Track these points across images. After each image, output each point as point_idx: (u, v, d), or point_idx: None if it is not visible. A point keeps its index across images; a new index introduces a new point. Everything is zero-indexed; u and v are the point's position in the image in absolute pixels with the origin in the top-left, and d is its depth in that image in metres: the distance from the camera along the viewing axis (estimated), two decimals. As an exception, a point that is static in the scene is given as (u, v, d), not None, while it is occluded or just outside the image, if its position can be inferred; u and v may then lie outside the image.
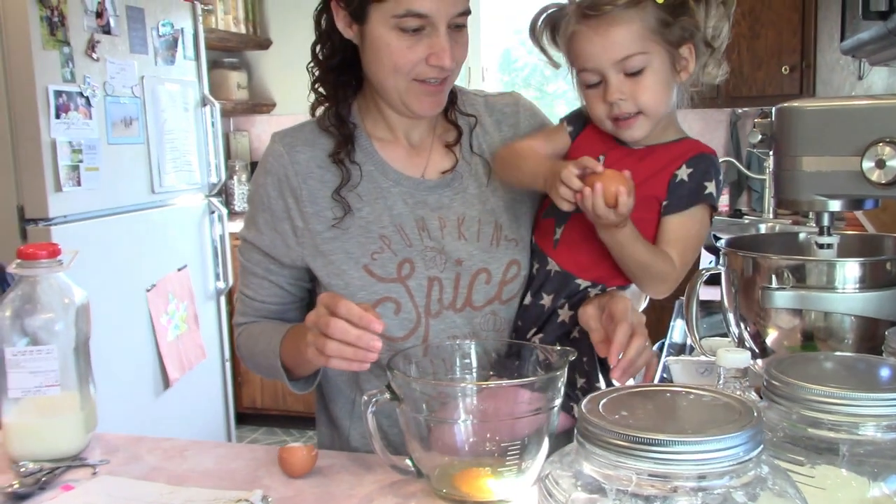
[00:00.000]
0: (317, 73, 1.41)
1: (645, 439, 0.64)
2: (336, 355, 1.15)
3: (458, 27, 1.30)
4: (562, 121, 1.42)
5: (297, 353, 1.33)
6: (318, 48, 1.40)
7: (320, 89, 1.42)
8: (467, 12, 1.30)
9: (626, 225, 1.20)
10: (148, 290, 3.36)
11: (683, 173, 1.27)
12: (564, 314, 1.35)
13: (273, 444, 1.32)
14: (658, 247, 1.27)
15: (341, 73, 1.40)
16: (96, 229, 3.09)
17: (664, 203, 1.28)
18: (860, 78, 3.80)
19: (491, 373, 1.23)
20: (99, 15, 3.06)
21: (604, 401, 0.72)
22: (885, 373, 0.84)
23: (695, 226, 1.29)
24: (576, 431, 0.70)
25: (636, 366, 1.18)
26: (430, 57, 1.28)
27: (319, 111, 1.43)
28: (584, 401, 0.72)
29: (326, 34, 1.38)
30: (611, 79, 1.26)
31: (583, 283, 1.33)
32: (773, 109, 1.25)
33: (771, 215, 4.15)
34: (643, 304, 1.47)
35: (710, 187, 1.27)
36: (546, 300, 1.35)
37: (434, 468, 1.10)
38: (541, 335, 1.35)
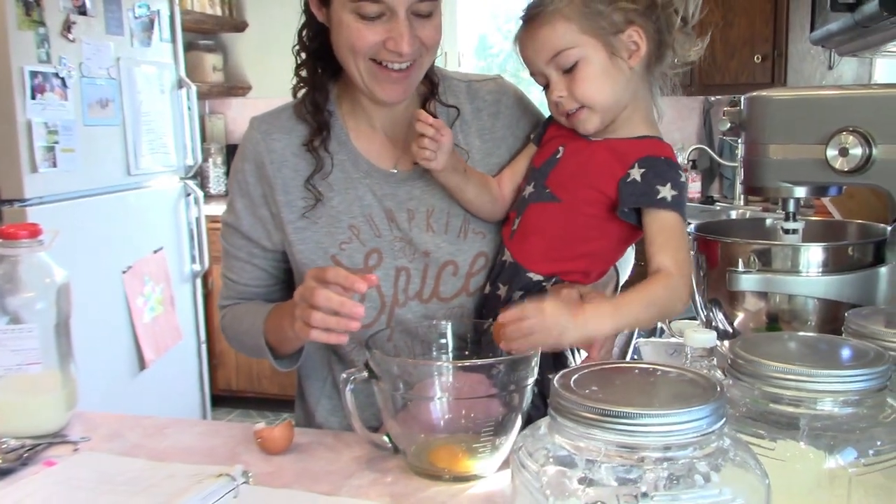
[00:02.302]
0: (302, 58, 1.41)
1: (614, 412, 0.68)
2: (320, 325, 1.17)
3: (423, 14, 1.27)
4: (524, 135, 1.44)
5: (279, 330, 1.35)
6: (303, 32, 1.40)
7: (303, 73, 1.42)
8: None
9: (589, 309, 1.16)
10: (124, 272, 3.36)
11: (636, 173, 1.24)
12: None
13: (238, 424, 1.34)
14: (648, 264, 1.23)
15: (318, 58, 1.40)
16: (72, 211, 3.09)
17: (618, 203, 1.25)
18: (830, 67, 3.86)
19: (466, 352, 1.26)
20: (75, -5, 3.05)
21: (575, 376, 0.75)
22: (844, 352, 0.88)
23: (669, 225, 1.23)
24: (549, 405, 0.73)
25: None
26: (387, 41, 1.26)
27: (300, 94, 1.43)
28: (557, 376, 0.75)
29: (309, 18, 1.37)
30: (550, 78, 1.28)
31: (534, 275, 1.31)
32: (743, 98, 1.28)
33: (742, 202, 4.21)
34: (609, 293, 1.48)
35: (664, 192, 1.22)
36: (502, 290, 1.35)
37: (411, 444, 1.13)
38: (493, 321, 1.36)
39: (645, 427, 0.67)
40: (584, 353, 1.35)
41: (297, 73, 1.42)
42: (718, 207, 4.24)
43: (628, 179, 1.24)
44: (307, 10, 1.37)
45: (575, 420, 0.69)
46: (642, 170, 1.24)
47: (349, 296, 1.16)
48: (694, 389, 0.72)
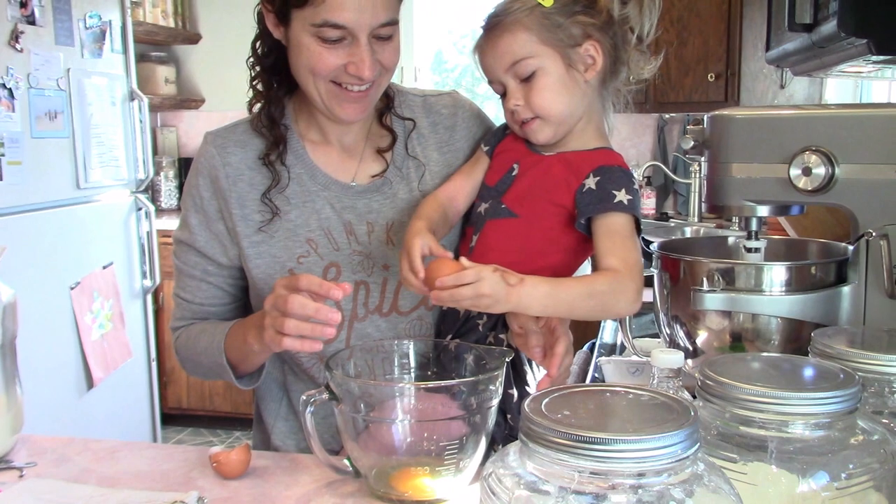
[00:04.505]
0: (257, 70, 1.40)
1: (586, 438, 0.66)
2: (294, 332, 1.15)
3: (383, 38, 1.28)
4: (480, 146, 1.42)
5: (242, 346, 1.32)
6: (257, 44, 1.39)
7: (258, 86, 1.40)
8: (392, 23, 1.28)
9: (526, 286, 1.14)
10: (72, 288, 3.27)
11: (591, 182, 1.25)
12: (481, 322, 1.35)
13: (200, 445, 1.30)
14: (597, 268, 1.23)
15: (274, 72, 1.39)
16: (19, 225, 3.00)
17: (576, 214, 1.26)
18: (782, 87, 3.92)
19: (430, 372, 1.24)
20: (23, 5, 2.97)
21: (546, 400, 0.73)
22: (812, 372, 0.88)
23: (619, 229, 1.23)
24: (519, 430, 0.71)
25: (558, 382, 1.22)
26: (348, 65, 1.26)
27: (256, 108, 1.42)
28: (528, 400, 0.73)
29: (264, 32, 1.36)
30: (508, 86, 1.28)
31: None
32: (706, 117, 1.28)
33: (696, 219, 4.25)
34: None
35: (620, 196, 1.23)
36: None
37: (372, 468, 1.11)
38: (457, 341, 1.35)
39: (618, 453, 0.65)
40: (542, 371, 1.34)
41: (252, 87, 1.40)
42: (673, 224, 4.27)
43: (584, 189, 1.25)
44: (262, 24, 1.35)
45: (546, 446, 0.68)
46: (597, 178, 1.25)
47: (322, 302, 1.14)
48: (667, 414, 0.71)
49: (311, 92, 1.32)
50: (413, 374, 1.24)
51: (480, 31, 1.31)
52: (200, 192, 1.41)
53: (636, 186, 1.26)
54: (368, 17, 1.24)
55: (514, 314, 1.27)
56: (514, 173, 1.33)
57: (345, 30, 1.24)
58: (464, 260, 1.15)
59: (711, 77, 4.10)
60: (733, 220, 3.48)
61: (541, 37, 1.24)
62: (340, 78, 1.28)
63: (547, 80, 1.26)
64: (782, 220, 1.84)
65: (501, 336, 1.32)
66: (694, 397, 0.88)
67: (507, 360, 1.14)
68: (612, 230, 1.23)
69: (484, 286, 1.11)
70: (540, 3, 1.24)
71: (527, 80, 1.26)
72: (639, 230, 1.25)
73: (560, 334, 1.23)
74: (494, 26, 1.28)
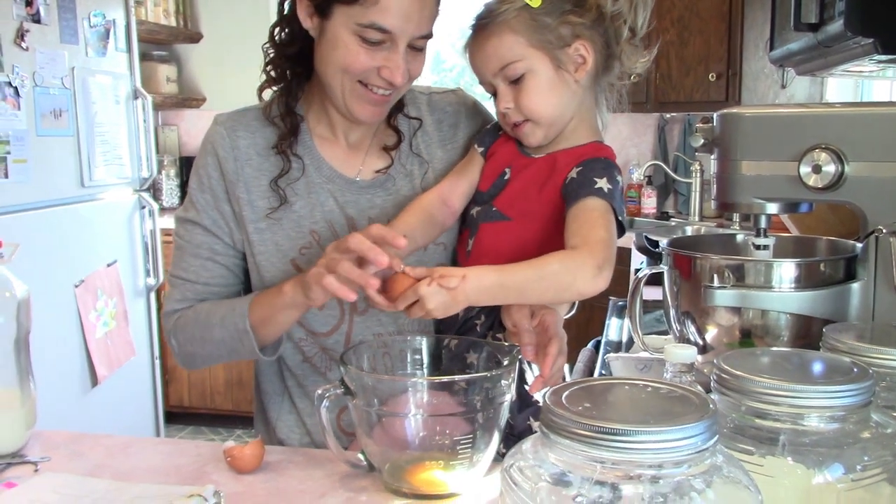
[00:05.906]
0: (271, 55, 1.40)
1: (608, 429, 0.67)
2: (344, 273, 1.15)
3: (417, 49, 1.31)
4: (473, 145, 1.42)
5: (275, 298, 1.30)
6: (276, 31, 1.39)
7: (271, 72, 1.40)
8: (429, 36, 1.31)
9: (470, 283, 1.14)
10: (76, 286, 3.28)
11: (574, 172, 1.26)
12: (479, 322, 1.36)
13: (205, 442, 1.30)
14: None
15: (296, 62, 1.40)
16: (24, 223, 3.01)
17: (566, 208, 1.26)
18: (783, 86, 3.93)
19: (440, 368, 1.24)
20: (29, 3, 2.98)
21: (566, 393, 0.74)
22: (826, 366, 0.89)
23: (590, 209, 1.22)
24: (540, 422, 0.72)
25: (551, 383, 1.21)
26: (382, 69, 1.28)
27: (266, 95, 1.42)
28: (548, 392, 0.74)
29: (287, 19, 1.36)
30: (498, 88, 1.29)
31: None
32: (715, 115, 1.29)
33: (697, 217, 4.26)
34: (564, 311, 1.47)
35: (601, 183, 1.22)
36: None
37: (386, 462, 1.11)
38: (468, 338, 1.36)
39: (640, 444, 0.66)
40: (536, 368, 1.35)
41: (265, 71, 1.41)
42: (674, 223, 4.28)
43: (567, 181, 1.26)
44: (290, 12, 1.35)
45: (569, 437, 0.68)
46: (580, 168, 1.26)
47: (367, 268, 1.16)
48: (687, 406, 0.72)
49: (334, 87, 1.32)
50: (424, 370, 1.25)
51: (469, 31, 1.32)
52: (209, 172, 1.41)
53: (618, 179, 1.26)
54: (413, 27, 1.26)
55: (507, 313, 1.28)
56: (506, 177, 1.34)
57: (388, 34, 1.25)
58: (408, 269, 1.16)
59: (712, 77, 4.11)
60: (734, 218, 3.50)
61: (529, 39, 1.24)
62: (369, 79, 1.30)
63: (536, 83, 1.26)
64: (785, 218, 1.85)
65: (499, 335, 1.33)
66: (707, 392, 0.89)
67: (519, 356, 1.15)
68: (583, 209, 1.22)
69: (426, 302, 1.12)
70: (528, 4, 1.24)
71: (516, 82, 1.26)
72: (619, 224, 1.24)
73: (553, 334, 1.23)
74: (483, 28, 1.28)
